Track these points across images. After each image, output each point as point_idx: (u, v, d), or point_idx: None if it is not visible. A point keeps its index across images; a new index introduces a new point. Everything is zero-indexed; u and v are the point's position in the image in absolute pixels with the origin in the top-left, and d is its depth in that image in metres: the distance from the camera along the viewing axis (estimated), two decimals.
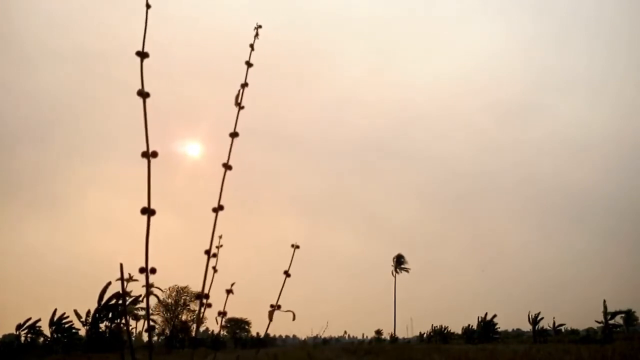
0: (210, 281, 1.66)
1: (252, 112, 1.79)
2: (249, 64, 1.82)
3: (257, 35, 1.84)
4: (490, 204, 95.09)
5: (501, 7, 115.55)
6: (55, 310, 25.35)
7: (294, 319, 1.84)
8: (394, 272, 55.41)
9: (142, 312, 34.36)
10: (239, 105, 1.78)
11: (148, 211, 1.41)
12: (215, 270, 1.71)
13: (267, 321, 1.84)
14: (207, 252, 1.63)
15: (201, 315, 1.66)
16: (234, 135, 1.76)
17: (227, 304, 1.81)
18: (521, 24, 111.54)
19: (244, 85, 1.81)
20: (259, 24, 1.83)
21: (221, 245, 1.71)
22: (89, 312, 25.44)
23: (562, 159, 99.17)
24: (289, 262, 1.93)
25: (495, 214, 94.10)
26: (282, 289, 1.88)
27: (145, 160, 1.44)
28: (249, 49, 1.82)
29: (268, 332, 2.05)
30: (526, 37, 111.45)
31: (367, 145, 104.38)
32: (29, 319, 25.97)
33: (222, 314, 1.80)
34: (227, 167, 1.73)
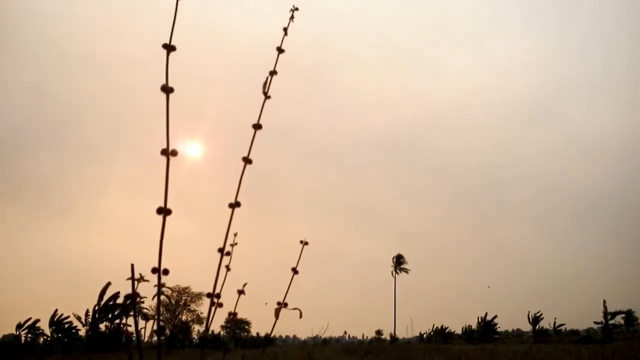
0: (222, 280, 1.59)
1: (257, 110, 1.67)
2: (280, 50, 1.67)
3: (292, 17, 1.67)
4: (491, 204, 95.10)
5: (517, 12, 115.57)
6: (56, 310, 25.32)
7: (300, 316, 1.76)
8: (393, 273, 55.29)
9: (150, 312, 34.43)
10: (265, 94, 1.63)
11: (164, 211, 1.34)
12: (228, 269, 1.64)
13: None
14: (221, 250, 1.54)
15: (211, 315, 1.60)
16: (257, 127, 1.62)
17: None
18: (527, 27, 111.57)
19: (273, 72, 1.65)
20: (295, 7, 1.67)
21: (236, 243, 1.64)
22: (87, 311, 25.37)
23: (562, 159, 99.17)
24: (297, 259, 1.83)
25: (496, 213, 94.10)
26: (289, 286, 1.80)
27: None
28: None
29: (268, 331, 1.95)
30: (536, 40, 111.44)
31: (370, 146, 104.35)
32: (29, 319, 25.96)
33: (233, 314, 1.74)
34: (247, 161, 1.60)
